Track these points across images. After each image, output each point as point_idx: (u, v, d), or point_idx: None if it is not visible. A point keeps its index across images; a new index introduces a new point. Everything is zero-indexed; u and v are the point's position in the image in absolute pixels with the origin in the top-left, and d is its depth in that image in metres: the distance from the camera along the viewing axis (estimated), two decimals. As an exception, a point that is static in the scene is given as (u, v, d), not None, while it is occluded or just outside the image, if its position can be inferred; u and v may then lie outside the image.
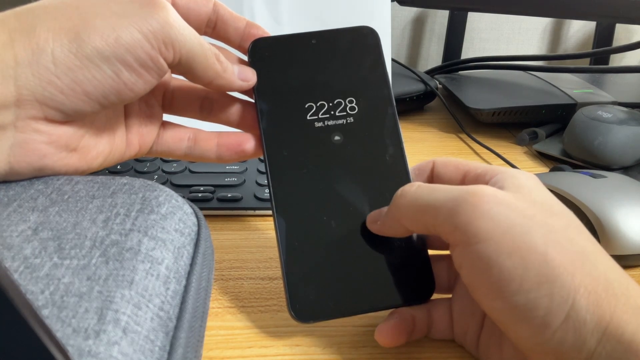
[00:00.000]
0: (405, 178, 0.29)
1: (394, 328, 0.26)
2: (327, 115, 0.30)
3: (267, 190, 0.41)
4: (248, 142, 0.30)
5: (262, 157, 0.29)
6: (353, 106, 0.30)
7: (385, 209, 0.27)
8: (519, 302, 0.21)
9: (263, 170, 0.43)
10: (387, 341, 0.26)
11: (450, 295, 0.28)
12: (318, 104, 0.30)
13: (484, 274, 0.22)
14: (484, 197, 0.22)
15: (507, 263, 0.21)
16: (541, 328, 0.21)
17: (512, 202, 0.22)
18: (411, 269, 0.27)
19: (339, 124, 0.29)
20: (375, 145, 0.29)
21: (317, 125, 0.29)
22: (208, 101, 0.31)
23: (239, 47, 0.31)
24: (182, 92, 0.31)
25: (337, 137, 0.29)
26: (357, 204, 0.28)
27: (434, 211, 0.23)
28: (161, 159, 0.45)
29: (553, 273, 0.21)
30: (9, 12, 0.24)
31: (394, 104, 0.30)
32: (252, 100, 0.30)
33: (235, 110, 0.31)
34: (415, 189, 0.25)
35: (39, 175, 0.25)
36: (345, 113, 0.30)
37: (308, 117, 0.29)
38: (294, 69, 0.30)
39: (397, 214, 0.26)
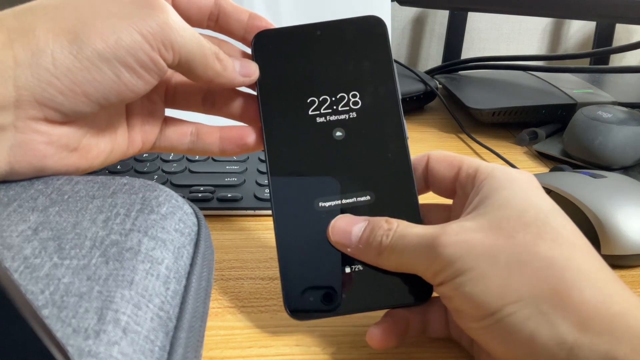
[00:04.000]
0: (407, 175, 0.28)
1: (386, 331, 0.26)
2: (330, 110, 0.29)
3: (267, 190, 0.41)
4: (250, 136, 0.30)
5: (264, 152, 0.29)
6: (356, 100, 0.29)
7: (354, 231, 0.27)
8: (489, 323, 0.22)
9: (263, 170, 0.43)
10: (377, 344, 0.26)
11: None
12: (320, 99, 0.29)
13: (462, 302, 0.23)
14: (449, 242, 0.23)
15: (476, 291, 0.22)
16: (510, 344, 0.22)
17: (475, 237, 0.23)
18: None
19: (341, 120, 0.29)
20: (377, 141, 0.29)
21: (318, 120, 0.29)
22: (210, 95, 0.31)
23: (242, 40, 0.31)
24: (184, 86, 0.31)
25: (338, 133, 0.29)
26: (359, 203, 0.28)
27: (411, 267, 0.25)
28: (161, 158, 0.45)
29: (515, 295, 0.22)
30: (7, 12, 0.24)
31: (399, 98, 0.30)
32: (255, 93, 0.30)
33: (238, 104, 0.31)
34: (389, 243, 0.25)
35: (39, 175, 0.25)
36: (348, 108, 0.29)
37: (310, 112, 0.29)
38: (297, 61, 0.30)
39: (374, 261, 0.27)
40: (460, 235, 0.23)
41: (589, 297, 0.21)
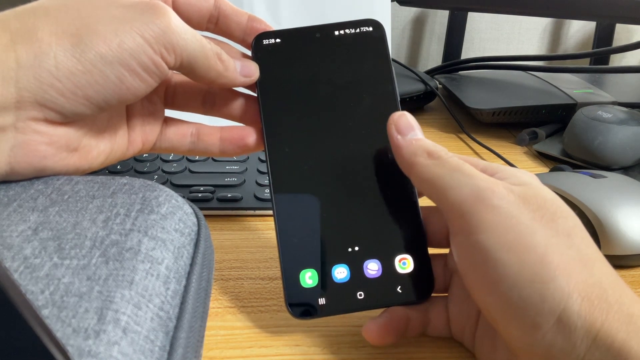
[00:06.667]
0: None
1: (383, 326, 0.26)
2: (330, 112, 0.29)
3: (267, 190, 0.41)
4: (250, 136, 0.30)
5: (264, 152, 0.29)
6: (356, 101, 0.30)
7: (413, 133, 0.26)
8: (512, 298, 0.21)
9: (263, 170, 0.43)
10: (374, 339, 0.26)
11: (446, 294, 0.28)
12: (321, 100, 0.30)
13: (481, 266, 0.22)
14: (497, 192, 0.23)
15: (504, 258, 0.22)
16: (531, 329, 0.21)
17: (521, 202, 0.23)
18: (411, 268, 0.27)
19: (342, 120, 0.29)
20: (378, 142, 0.29)
21: (319, 121, 0.29)
22: (210, 96, 0.31)
23: (242, 42, 0.31)
24: (184, 87, 0.31)
25: (339, 133, 0.29)
26: (358, 202, 0.28)
27: (447, 190, 0.24)
28: (161, 158, 0.45)
29: (548, 274, 0.21)
30: (8, 13, 0.24)
31: (398, 99, 0.30)
32: (255, 94, 0.30)
33: (237, 105, 0.31)
34: (445, 159, 0.25)
35: (39, 175, 0.25)
36: (348, 109, 0.30)
37: (311, 113, 0.29)
38: (297, 63, 0.30)
39: (412, 168, 0.26)
40: (510, 194, 0.23)
41: (612, 293, 0.21)
